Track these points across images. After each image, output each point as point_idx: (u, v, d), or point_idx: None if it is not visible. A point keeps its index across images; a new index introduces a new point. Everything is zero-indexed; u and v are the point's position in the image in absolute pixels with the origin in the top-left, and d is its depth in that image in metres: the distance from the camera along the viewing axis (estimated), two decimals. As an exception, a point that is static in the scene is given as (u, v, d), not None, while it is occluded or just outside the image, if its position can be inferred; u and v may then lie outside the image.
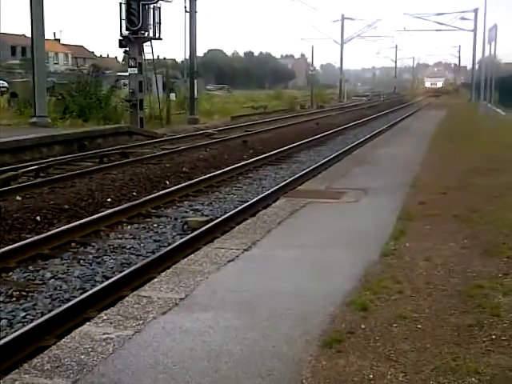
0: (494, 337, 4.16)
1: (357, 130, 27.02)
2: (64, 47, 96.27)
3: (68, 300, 6.19)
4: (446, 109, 37.36)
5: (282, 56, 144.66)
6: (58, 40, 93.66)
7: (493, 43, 24.44)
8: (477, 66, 51.15)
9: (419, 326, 4.34)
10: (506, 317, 4.48)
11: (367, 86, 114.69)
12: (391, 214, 7.86)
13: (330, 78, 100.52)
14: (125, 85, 29.88)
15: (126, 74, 25.44)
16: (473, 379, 3.59)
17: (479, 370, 3.68)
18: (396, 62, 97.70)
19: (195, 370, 3.69)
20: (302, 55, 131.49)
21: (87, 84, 25.05)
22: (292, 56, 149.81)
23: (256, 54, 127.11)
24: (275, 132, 24.72)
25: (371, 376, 3.63)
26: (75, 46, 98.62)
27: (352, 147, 18.30)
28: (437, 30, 61.89)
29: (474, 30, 50.99)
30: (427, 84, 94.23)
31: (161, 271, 6.10)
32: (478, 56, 46.80)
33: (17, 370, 3.78)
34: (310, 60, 60.48)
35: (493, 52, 26.07)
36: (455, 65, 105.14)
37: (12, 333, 5.26)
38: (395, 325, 4.36)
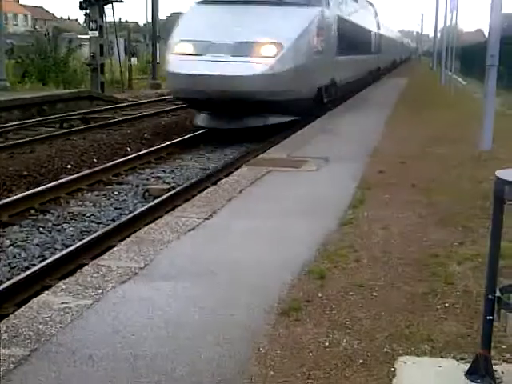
0: (447, 305, 4.27)
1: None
2: (23, 8, 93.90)
3: (27, 268, 6.16)
4: (407, 77, 37.58)
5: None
6: (17, 0, 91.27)
7: (454, 12, 24.58)
8: (439, 35, 51.40)
9: (375, 294, 4.43)
10: (460, 285, 4.59)
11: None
12: (351, 183, 7.94)
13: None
14: (80, 45, 29.24)
15: (87, 36, 25.01)
16: (426, 346, 3.68)
17: (432, 337, 3.78)
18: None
19: (154, 339, 3.71)
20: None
21: (46, 46, 24.58)
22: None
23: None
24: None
25: (327, 344, 3.70)
26: (35, 7, 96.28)
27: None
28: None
29: (437, -2, 50.96)
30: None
31: (121, 240, 6.09)
32: (441, 25, 47.04)
33: (-26, 340, 3.76)
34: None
35: (454, 21, 26.23)
36: (417, 32, 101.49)
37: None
38: (351, 293, 4.44)
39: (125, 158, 11.51)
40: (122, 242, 5.66)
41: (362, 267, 4.95)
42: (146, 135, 14.82)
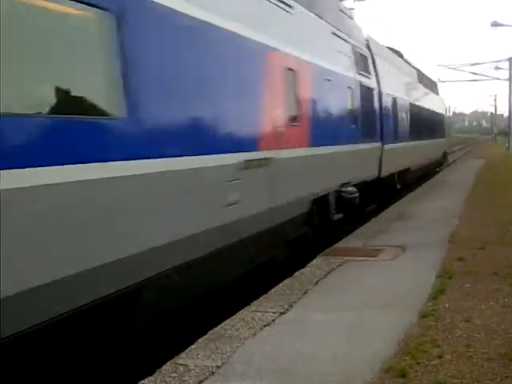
0: (537, 403, 4.05)
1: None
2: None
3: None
4: (483, 158, 37.10)
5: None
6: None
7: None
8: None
9: (460, 393, 4.25)
10: (550, 382, 4.36)
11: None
12: (429, 272, 7.76)
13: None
14: None
15: None
16: None
17: None
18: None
19: None
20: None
21: None
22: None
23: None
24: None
25: None
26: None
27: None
28: (471, 80, 62.38)
29: (510, 79, 50.74)
30: None
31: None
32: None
33: None
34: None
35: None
36: (491, 113, 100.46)
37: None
38: (435, 392, 4.27)
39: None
40: (200, 340, 5.64)
41: (446, 363, 4.77)
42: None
